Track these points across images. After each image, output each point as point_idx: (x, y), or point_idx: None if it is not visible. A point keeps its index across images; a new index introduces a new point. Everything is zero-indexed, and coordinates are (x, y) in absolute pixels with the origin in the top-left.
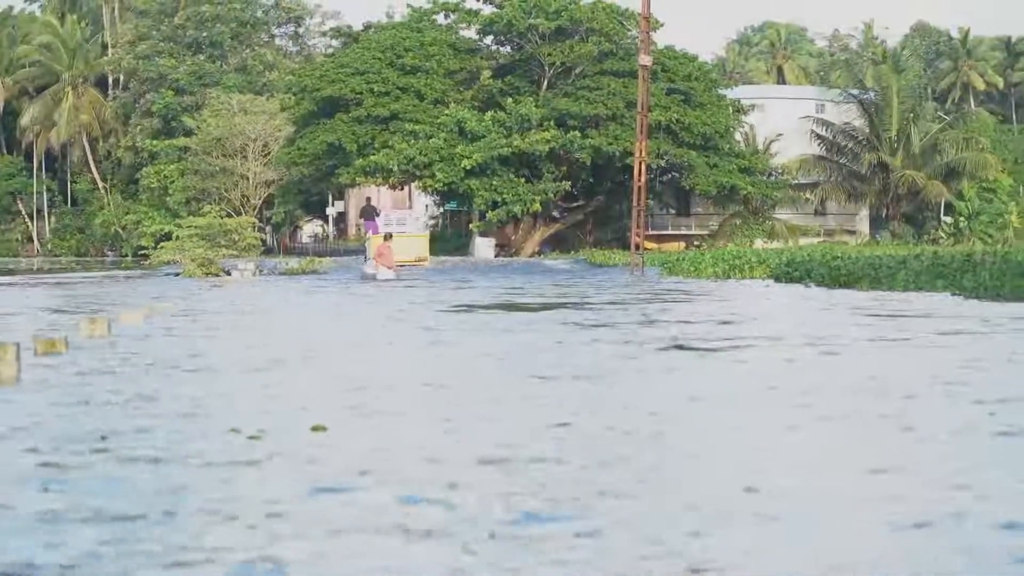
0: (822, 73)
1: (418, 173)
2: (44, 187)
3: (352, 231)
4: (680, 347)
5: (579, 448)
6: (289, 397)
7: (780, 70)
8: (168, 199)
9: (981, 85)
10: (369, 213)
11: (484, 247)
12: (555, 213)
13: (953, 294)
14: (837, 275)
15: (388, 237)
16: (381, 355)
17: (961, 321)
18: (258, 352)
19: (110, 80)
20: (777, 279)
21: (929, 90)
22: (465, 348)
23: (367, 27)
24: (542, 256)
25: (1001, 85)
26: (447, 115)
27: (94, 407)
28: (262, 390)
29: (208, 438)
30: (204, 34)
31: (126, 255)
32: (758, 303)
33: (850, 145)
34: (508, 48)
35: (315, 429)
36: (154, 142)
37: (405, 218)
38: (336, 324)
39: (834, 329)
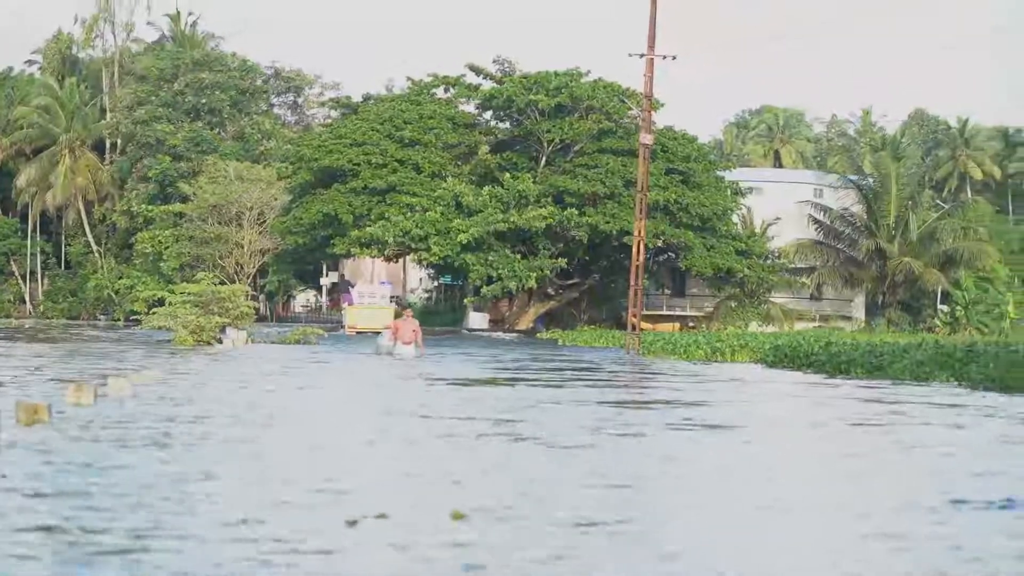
0: (819, 158)
1: (413, 246)
2: (38, 249)
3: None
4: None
5: None
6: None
7: (777, 154)
8: (162, 265)
9: (978, 175)
10: (343, 286)
11: (478, 321)
12: (550, 290)
13: (959, 384)
14: (837, 362)
15: (404, 310)
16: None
17: None
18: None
19: (107, 144)
20: (770, 364)
21: (927, 178)
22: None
23: (366, 98)
24: (537, 333)
25: (998, 175)
26: (444, 188)
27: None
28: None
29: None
30: (203, 101)
31: (118, 320)
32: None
33: (847, 231)
34: (507, 123)
35: (455, 517)
36: (150, 207)
37: (375, 291)
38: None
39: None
